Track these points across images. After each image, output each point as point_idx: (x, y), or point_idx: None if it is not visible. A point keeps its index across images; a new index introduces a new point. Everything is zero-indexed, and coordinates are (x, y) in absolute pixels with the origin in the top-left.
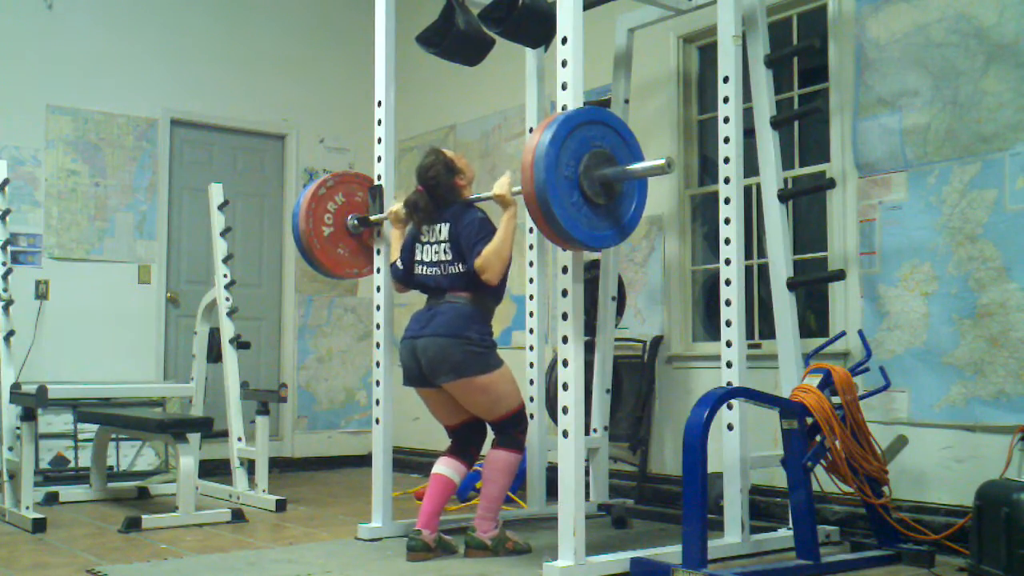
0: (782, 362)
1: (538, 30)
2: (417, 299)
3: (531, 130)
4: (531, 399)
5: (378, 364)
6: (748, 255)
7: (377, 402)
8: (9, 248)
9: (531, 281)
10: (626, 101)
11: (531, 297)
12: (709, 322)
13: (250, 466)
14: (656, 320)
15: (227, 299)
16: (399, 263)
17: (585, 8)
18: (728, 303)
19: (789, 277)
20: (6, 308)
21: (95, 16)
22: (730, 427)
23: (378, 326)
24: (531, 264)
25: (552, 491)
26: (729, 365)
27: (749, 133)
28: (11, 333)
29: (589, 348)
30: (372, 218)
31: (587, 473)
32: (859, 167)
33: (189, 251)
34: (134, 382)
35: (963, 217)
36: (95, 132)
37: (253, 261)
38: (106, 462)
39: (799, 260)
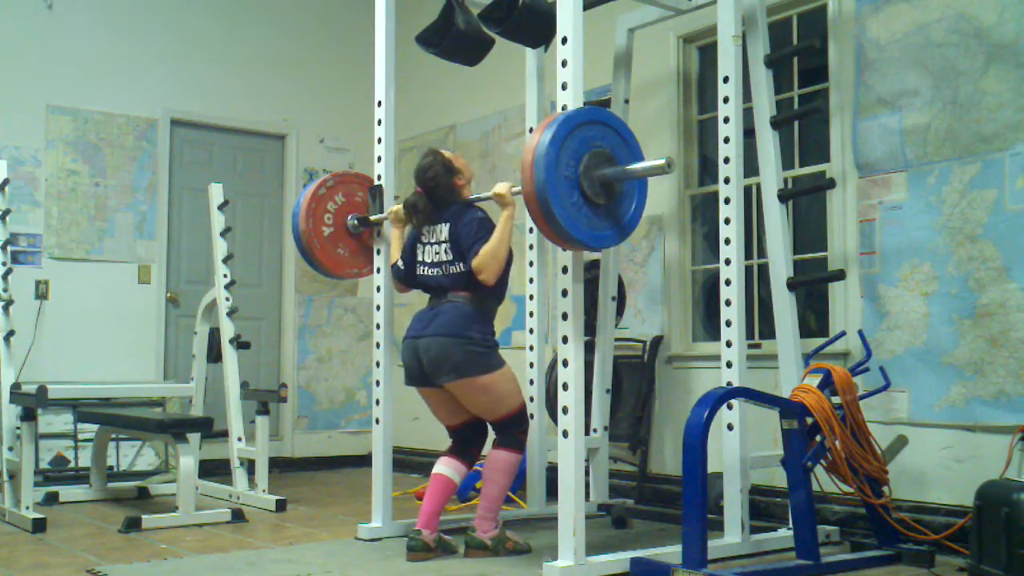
0: (782, 362)
1: (538, 30)
2: (418, 299)
3: (531, 130)
4: (531, 399)
5: (378, 364)
6: (748, 255)
7: (377, 402)
8: (9, 248)
9: (531, 281)
10: (626, 101)
11: (531, 297)
12: (709, 322)
13: (250, 466)
14: (656, 320)
15: (227, 299)
16: (400, 263)
17: (585, 8)
18: (728, 303)
19: (789, 277)
20: (6, 308)
21: (95, 16)
22: (730, 427)
23: (378, 326)
24: (531, 264)
25: (552, 491)
26: (729, 365)
27: (749, 133)
28: (11, 333)
29: (589, 348)
30: (372, 218)
31: (587, 473)
32: (859, 167)
33: (189, 251)
34: (134, 382)
35: (963, 217)
36: (95, 132)
37: (253, 261)
38: (106, 462)
39: (799, 260)
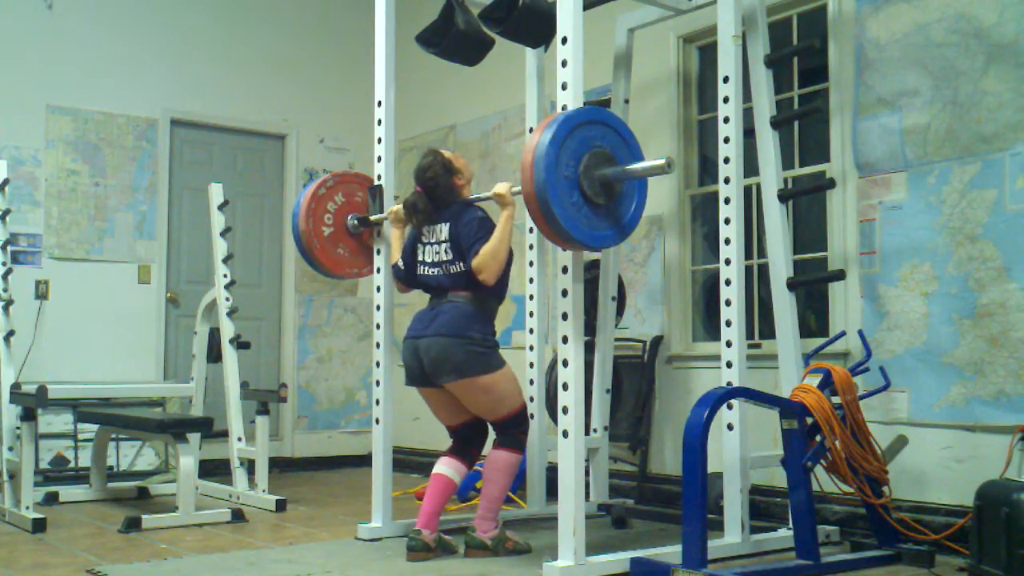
0: (782, 362)
1: (538, 30)
2: (418, 299)
3: (531, 130)
4: (531, 399)
5: (378, 364)
6: (748, 255)
7: (377, 402)
8: (9, 248)
9: (531, 281)
10: (626, 101)
11: (531, 297)
12: (709, 322)
13: (250, 466)
14: (656, 320)
15: (227, 299)
16: (401, 264)
17: (585, 8)
18: (728, 303)
19: (789, 277)
20: (6, 308)
21: (95, 16)
22: (730, 427)
23: (378, 326)
24: (531, 264)
25: (552, 491)
26: (729, 365)
27: (749, 133)
28: (11, 333)
29: (589, 348)
30: (372, 218)
31: (587, 473)
32: (859, 167)
33: (189, 251)
34: (134, 382)
35: (963, 217)
36: (95, 132)
37: (253, 261)
38: (106, 462)
39: (799, 260)
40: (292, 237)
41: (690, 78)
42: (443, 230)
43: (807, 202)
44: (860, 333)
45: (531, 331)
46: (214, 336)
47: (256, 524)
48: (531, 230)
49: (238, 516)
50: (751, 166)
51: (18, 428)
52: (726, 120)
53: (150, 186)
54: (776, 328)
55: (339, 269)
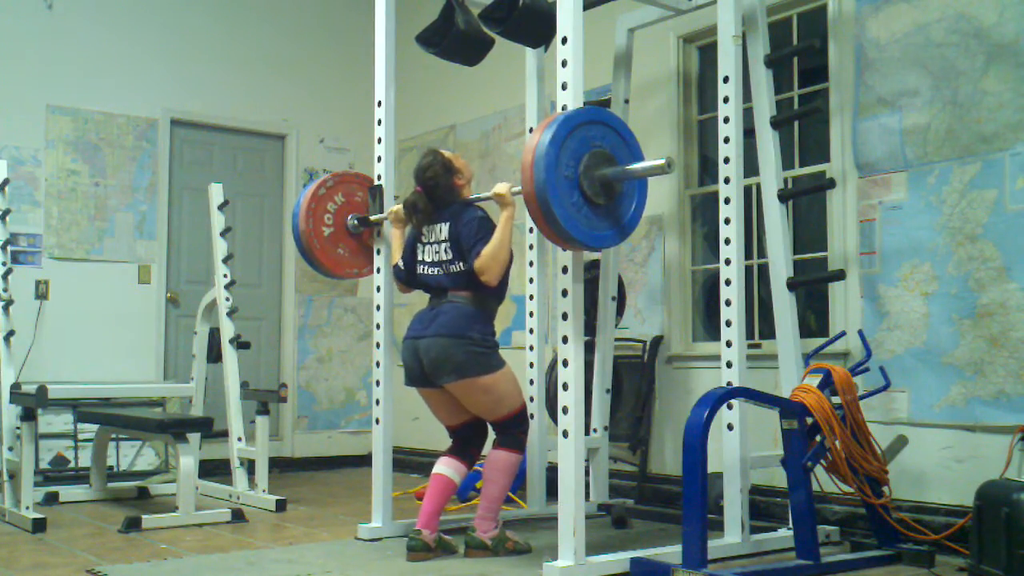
0: (782, 362)
1: (538, 30)
2: (418, 299)
3: (531, 130)
4: (531, 399)
5: (378, 364)
6: (748, 255)
7: (377, 402)
8: (9, 248)
9: (531, 281)
10: (626, 101)
11: (531, 297)
12: (709, 322)
13: (250, 466)
14: (656, 320)
15: (227, 299)
16: (401, 264)
17: (585, 8)
18: (728, 303)
19: (789, 277)
20: (6, 308)
21: (95, 16)
22: (730, 427)
23: (378, 326)
24: (531, 264)
25: (552, 491)
26: (729, 365)
27: (749, 133)
28: (11, 333)
29: (589, 348)
30: (372, 218)
31: (587, 473)
32: (859, 167)
33: (189, 251)
34: (134, 382)
35: (963, 217)
36: (95, 132)
37: (253, 261)
38: (106, 462)
39: (799, 260)
40: (292, 237)
41: (690, 78)
42: (443, 230)
43: (807, 202)
44: (860, 333)
45: (531, 331)
46: (214, 336)
47: (256, 524)
48: (531, 230)
49: (238, 516)
50: (751, 166)
51: (18, 428)
52: (726, 120)
53: (150, 186)
54: (776, 328)
55: (339, 269)
